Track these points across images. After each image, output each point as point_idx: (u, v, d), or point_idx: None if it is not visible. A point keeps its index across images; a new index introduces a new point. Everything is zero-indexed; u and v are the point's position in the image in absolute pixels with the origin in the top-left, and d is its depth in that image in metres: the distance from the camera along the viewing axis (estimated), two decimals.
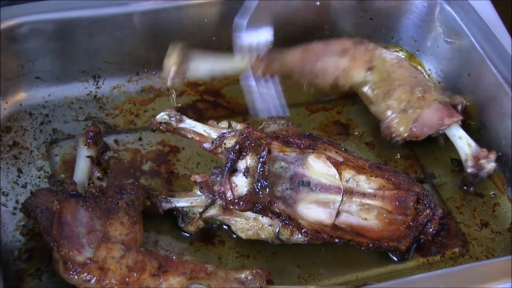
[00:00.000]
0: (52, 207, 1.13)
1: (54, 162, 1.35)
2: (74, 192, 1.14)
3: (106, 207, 1.14)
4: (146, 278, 1.06)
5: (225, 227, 1.27)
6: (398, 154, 1.45)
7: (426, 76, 1.57)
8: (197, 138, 1.23)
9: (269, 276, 1.13)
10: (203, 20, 1.49)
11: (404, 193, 1.20)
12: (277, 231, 1.20)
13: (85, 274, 1.05)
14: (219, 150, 1.20)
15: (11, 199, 1.27)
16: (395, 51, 1.63)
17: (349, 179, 1.20)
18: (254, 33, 1.33)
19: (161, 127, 1.24)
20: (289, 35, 1.50)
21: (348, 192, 1.19)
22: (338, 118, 1.52)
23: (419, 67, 1.61)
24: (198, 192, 1.23)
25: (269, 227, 1.21)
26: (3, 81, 1.39)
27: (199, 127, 1.23)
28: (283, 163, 1.19)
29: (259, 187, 1.16)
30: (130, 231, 1.13)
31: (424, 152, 1.45)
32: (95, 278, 1.04)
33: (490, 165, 1.34)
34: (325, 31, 1.60)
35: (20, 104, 1.43)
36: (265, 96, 1.33)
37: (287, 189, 1.19)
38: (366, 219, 1.20)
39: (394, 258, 1.26)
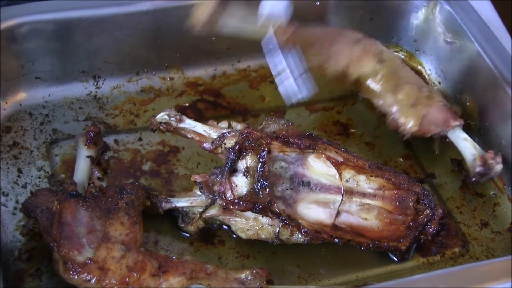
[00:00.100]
0: (52, 207, 1.13)
1: (54, 162, 1.35)
2: (74, 192, 1.14)
3: (106, 207, 1.14)
4: (146, 278, 1.06)
5: (225, 227, 1.27)
6: (399, 155, 1.45)
7: (426, 76, 1.59)
8: (197, 138, 1.23)
9: (269, 276, 1.13)
10: None
11: (404, 193, 1.20)
12: (277, 231, 1.20)
13: (85, 274, 1.05)
14: (219, 150, 1.20)
15: (11, 199, 1.27)
16: (395, 51, 1.63)
17: (349, 179, 1.20)
18: (276, 2, 1.33)
19: (161, 127, 1.24)
20: None
21: (348, 192, 1.19)
22: (338, 118, 1.52)
23: (419, 67, 1.61)
24: (198, 192, 1.23)
25: (269, 227, 1.21)
26: (3, 81, 1.39)
27: (199, 127, 1.23)
28: (283, 163, 1.19)
29: (259, 187, 1.16)
30: (130, 231, 1.13)
31: (424, 152, 1.45)
32: (95, 278, 1.04)
33: (498, 166, 1.34)
34: None
35: (20, 104, 1.43)
36: (291, 64, 1.33)
37: (287, 189, 1.19)
38: (366, 219, 1.20)
39: (394, 258, 1.26)
